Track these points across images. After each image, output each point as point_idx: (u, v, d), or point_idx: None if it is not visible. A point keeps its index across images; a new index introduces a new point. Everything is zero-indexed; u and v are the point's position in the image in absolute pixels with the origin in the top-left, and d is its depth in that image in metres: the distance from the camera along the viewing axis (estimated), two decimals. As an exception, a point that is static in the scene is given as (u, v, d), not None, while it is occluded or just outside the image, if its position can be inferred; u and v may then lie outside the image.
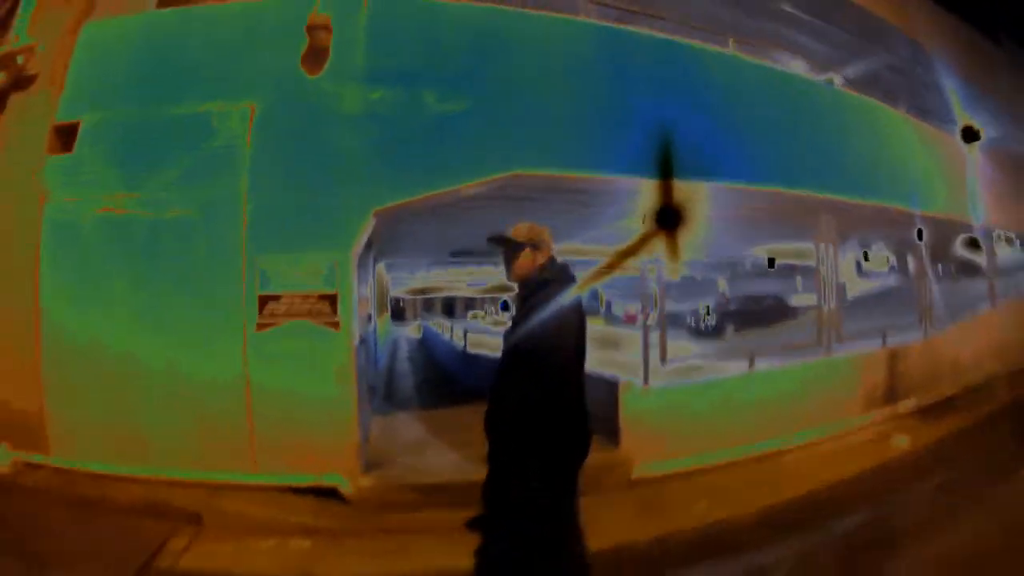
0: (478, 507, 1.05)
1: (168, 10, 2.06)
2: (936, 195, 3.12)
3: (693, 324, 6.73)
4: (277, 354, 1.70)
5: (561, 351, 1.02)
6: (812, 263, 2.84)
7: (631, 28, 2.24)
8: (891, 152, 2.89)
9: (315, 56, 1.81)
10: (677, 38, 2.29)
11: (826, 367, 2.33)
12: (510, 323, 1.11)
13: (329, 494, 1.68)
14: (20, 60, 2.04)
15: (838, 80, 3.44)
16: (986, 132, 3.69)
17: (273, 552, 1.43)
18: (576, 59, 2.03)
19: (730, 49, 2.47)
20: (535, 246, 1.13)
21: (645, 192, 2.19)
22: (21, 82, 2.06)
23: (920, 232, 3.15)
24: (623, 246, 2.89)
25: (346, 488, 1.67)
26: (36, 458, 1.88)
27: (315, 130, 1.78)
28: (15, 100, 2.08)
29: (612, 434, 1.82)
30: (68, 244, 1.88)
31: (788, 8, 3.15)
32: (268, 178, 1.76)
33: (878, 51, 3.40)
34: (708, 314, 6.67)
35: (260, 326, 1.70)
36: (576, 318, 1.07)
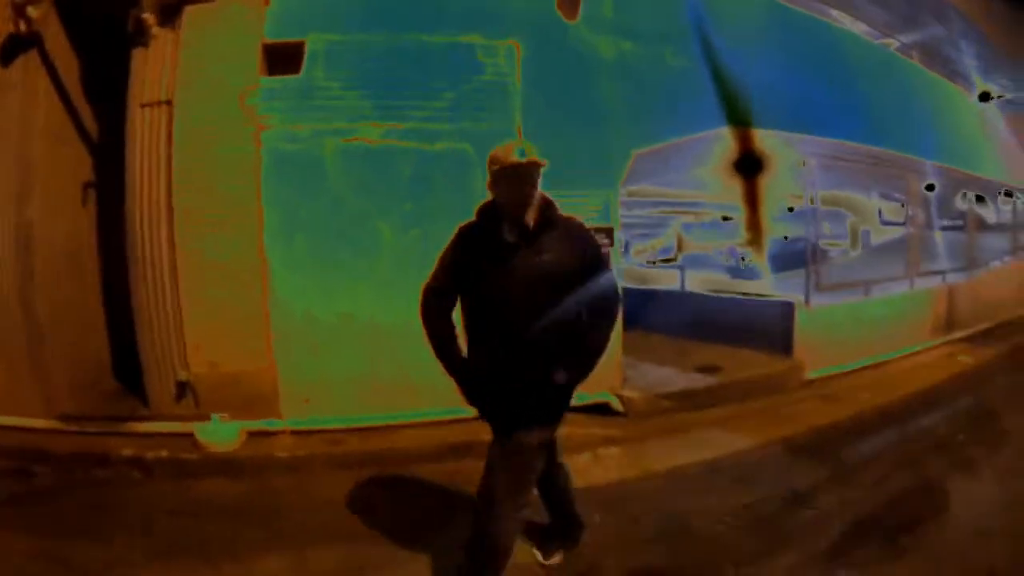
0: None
1: None
2: (984, 160, 4.75)
3: (734, 264, 8.64)
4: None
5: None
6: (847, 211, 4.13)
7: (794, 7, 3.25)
8: (954, 121, 4.42)
9: (572, 3, 2.44)
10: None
11: (912, 297, 3.70)
12: (530, 266, 1.22)
13: (601, 409, 2.39)
14: None
15: (895, 45, 4.86)
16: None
17: (593, 463, 2.13)
18: (758, 33, 2.97)
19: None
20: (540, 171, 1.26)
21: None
22: None
23: (967, 193, 4.72)
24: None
25: (615, 403, 2.40)
26: (275, 424, 2.23)
27: (577, 74, 2.48)
28: (198, 11, 2.31)
29: (787, 345, 2.83)
30: (298, 179, 2.22)
31: None
32: (539, 117, 2.40)
33: (929, 21, 4.88)
34: (743, 257, 8.65)
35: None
36: None
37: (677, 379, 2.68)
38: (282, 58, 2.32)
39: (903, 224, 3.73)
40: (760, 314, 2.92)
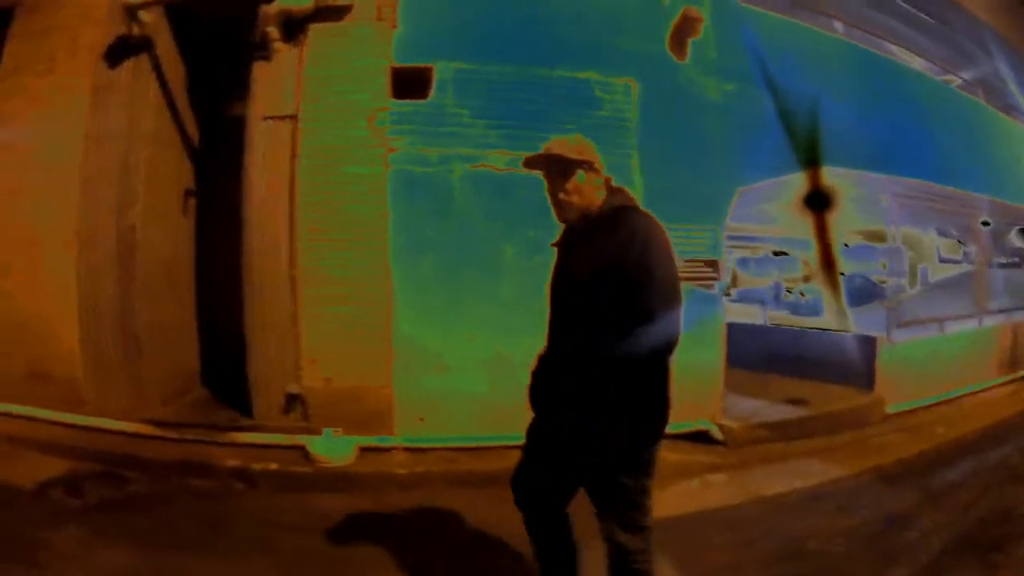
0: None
1: None
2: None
3: (793, 300, 9.15)
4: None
5: (677, 303, 1.06)
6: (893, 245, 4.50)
7: (875, 51, 3.59)
8: (1012, 156, 4.81)
9: (680, 44, 2.72)
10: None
11: (980, 334, 4.04)
12: (563, 269, 1.20)
13: (700, 437, 2.62)
14: None
15: (956, 82, 5.30)
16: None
17: (702, 488, 2.36)
18: (836, 73, 3.30)
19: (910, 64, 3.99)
20: (591, 166, 1.16)
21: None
22: (331, 11, 2.50)
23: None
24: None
25: (716, 432, 2.64)
26: (388, 440, 2.43)
27: (688, 112, 2.76)
28: (324, 30, 2.49)
29: (869, 379, 3.11)
30: (427, 201, 2.44)
31: (911, 8, 4.82)
32: (654, 152, 2.66)
33: (986, 57, 5.33)
34: (803, 292, 9.14)
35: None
36: (673, 257, 1.11)
37: (768, 410, 2.94)
38: (410, 82, 2.55)
39: (960, 261, 4.04)
40: (841, 348, 3.21)
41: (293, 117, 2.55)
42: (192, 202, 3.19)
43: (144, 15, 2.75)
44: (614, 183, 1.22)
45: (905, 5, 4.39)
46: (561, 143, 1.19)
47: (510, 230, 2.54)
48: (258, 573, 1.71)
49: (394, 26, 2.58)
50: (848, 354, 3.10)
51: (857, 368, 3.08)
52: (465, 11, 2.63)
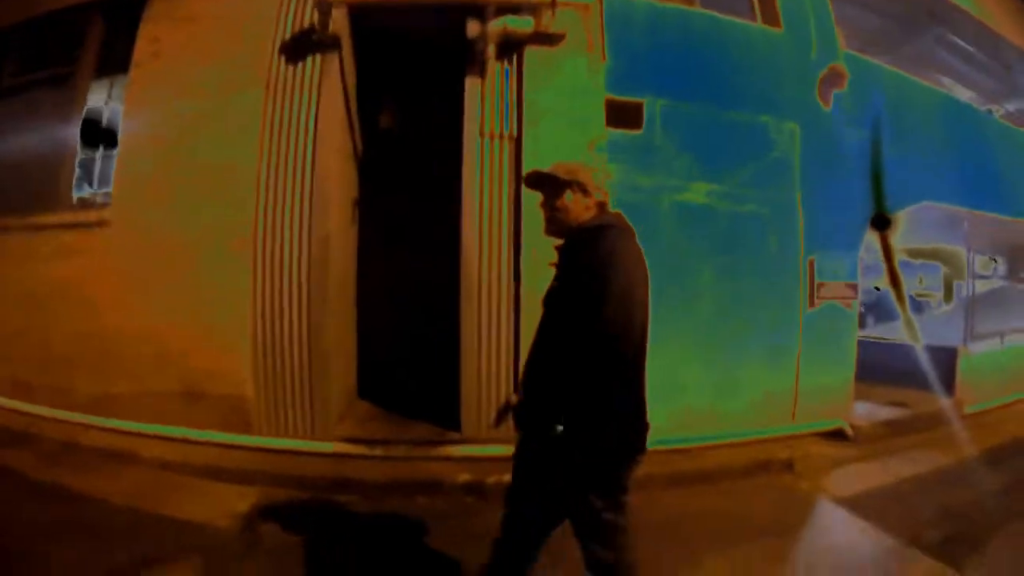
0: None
1: (699, 11, 3.56)
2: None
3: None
4: (819, 327, 3.63)
5: (632, 316, 1.29)
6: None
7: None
8: None
9: (827, 95, 3.79)
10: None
11: None
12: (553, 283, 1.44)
13: (833, 434, 3.70)
14: (548, 15, 3.13)
15: (999, 112, 7.15)
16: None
17: (856, 474, 3.45)
18: (930, 118, 4.65)
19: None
20: (582, 187, 1.44)
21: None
22: (545, 36, 3.19)
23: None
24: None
25: (848, 429, 3.73)
26: None
27: (833, 155, 3.84)
28: (539, 53, 3.18)
29: (949, 386, 4.47)
30: (639, 227, 3.16)
31: (957, 40, 6.49)
32: (811, 189, 3.75)
33: None
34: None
35: (812, 305, 3.57)
36: (643, 274, 1.38)
37: (879, 412, 4.20)
38: (623, 114, 3.32)
39: (990, 277, 5.64)
40: (926, 358, 4.54)
41: (514, 138, 3.17)
42: (356, 213, 3.57)
43: (335, 12, 3.16)
44: (609, 207, 1.52)
45: (960, 42, 6.00)
46: (558, 165, 1.52)
47: (706, 256, 3.47)
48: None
49: (603, 59, 3.32)
50: (932, 363, 4.45)
51: (940, 375, 4.49)
52: (664, 53, 3.54)
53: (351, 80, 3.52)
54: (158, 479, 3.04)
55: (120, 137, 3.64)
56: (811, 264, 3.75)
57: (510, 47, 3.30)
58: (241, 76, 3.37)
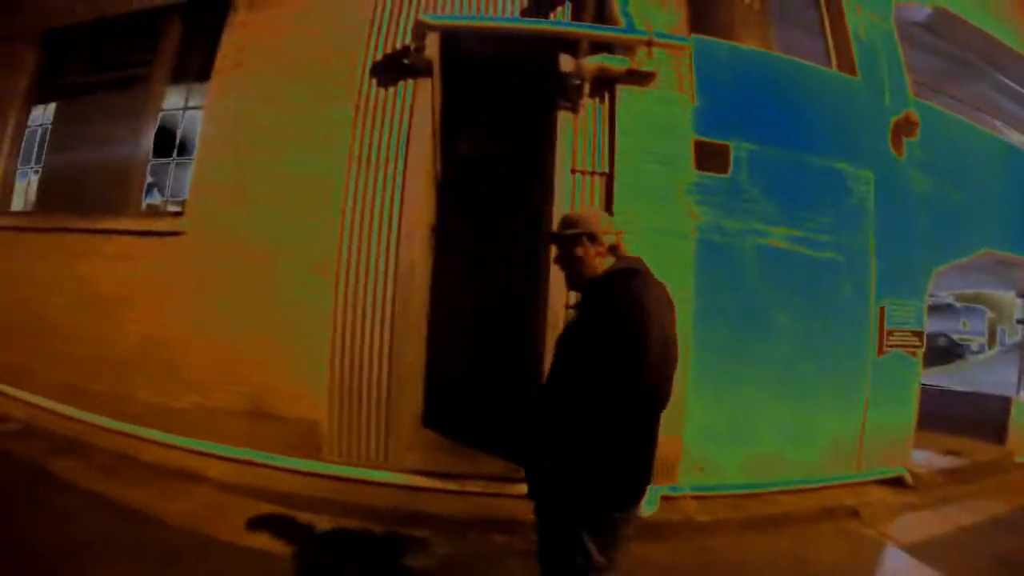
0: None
1: (782, 56, 3.79)
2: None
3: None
4: (886, 374, 3.85)
5: (667, 365, 1.38)
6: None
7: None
8: None
9: (899, 143, 4.02)
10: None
11: None
12: (568, 329, 1.58)
13: (892, 481, 3.90)
14: (643, 52, 3.32)
15: None
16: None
17: (920, 521, 3.68)
18: (989, 166, 4.93)
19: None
20: (591, 237, 1.56)
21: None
22: (638, 75, 3.39)
23: None
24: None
25: (908, 477, 3.95)
26: (678, 490, 3.35)
27: (905, 203, 4.05)
28: (630, 92, 3.40)
29: (1001, 435, 4.71)
30: (723, 269, 3.45)
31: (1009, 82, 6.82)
32: (884, 236, 3.97)
33: None
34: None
35: (880, 353, 3.79)
36: (671, 316, 1.47)
37: (936, 460, 4.43)
38: (710, 156, 3.52)
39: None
40: (977, 407, 4.78)
41: (606, 175, 3.36)
42: (435, 239, 3.72)
43: (430, 36, 3.32)
44: (623, 248, 1.61)
45: (1011, 83, 6.33)
46: (565, 217, 1.66)
47: (785, 300, 3.66)
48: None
49: (693, 100, 3.52)
50: (985, 412, 4.70)
51: (993, 424, 4.76)
52: (750, 96, 3.77)
53: (438, 104, 3.69)
54: (219, 501, 3.09)
55: (198, 145, 3.79)
56: (881, 311, 4.00)
57: (603, 83, 3.51)
58: (329, 91, 3.55)
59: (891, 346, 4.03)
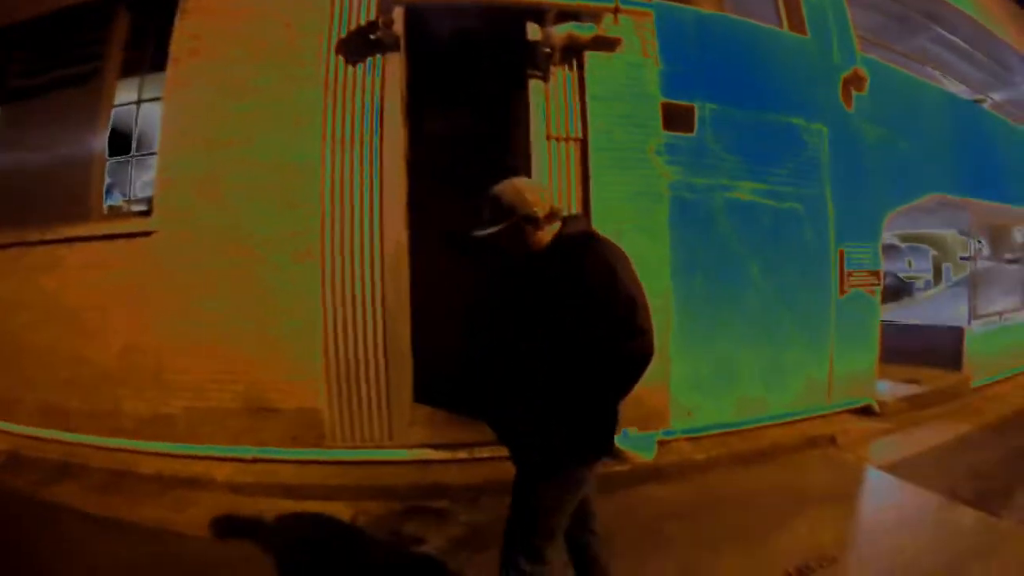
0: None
1: (738, 18, 4.12)
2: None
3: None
4: (849, 313, 4.33)
5: (650, 327, 1.48)
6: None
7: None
8: None
9: (848, 97, 4.47)
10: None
11: None
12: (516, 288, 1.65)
13: (861, 411, 4.41)
14: (609, 19, 3.58)
15: (988, 103, 8.16)
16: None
17: (897, 443, 4.21)
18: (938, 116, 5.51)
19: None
20: (531, 219, 1.58)
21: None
22: (604, 42, 3.65)
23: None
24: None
25: (875, 405, 4.46)
26: (671, 433, 3.72)
27: (855, 154, 4.51)
28: (598, 58, 3.66)
29: (956, 363, 5.33)
30: (696, 225, 3.78)
31: (950, 36, 7.51)
32: (838, 186, 4.46)
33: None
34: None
35: (842, 293, 4.23)
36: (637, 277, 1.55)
37: (897, 389, 5.01)
38: (677, 118, 3.81)
39: (979, 259, 6.63)
40: (931, 338, 5.40)
41: (580, 140, 3.60)
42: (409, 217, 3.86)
43: (397, 13, 3.44)
44: (559, 212, 1.63)
45: (950, 36, 7.00)
46: (493, 204, 1.60)
47: (754, 251, 4.05)
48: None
49: (657, 64, 3.79)
50: (940, 342, 5.34)
51: (948, 353, 5.41)
52: (710, 58, 4.11)
53: (405, 80, 3.82)
54: (233, 504, 3.14)
55: (159, 140, 3.76)
56: (841, 255, 4.49)
57: (571, 51, 3.74)
58: (296, 72, 3.62)
59: (852, 286, 4.53)
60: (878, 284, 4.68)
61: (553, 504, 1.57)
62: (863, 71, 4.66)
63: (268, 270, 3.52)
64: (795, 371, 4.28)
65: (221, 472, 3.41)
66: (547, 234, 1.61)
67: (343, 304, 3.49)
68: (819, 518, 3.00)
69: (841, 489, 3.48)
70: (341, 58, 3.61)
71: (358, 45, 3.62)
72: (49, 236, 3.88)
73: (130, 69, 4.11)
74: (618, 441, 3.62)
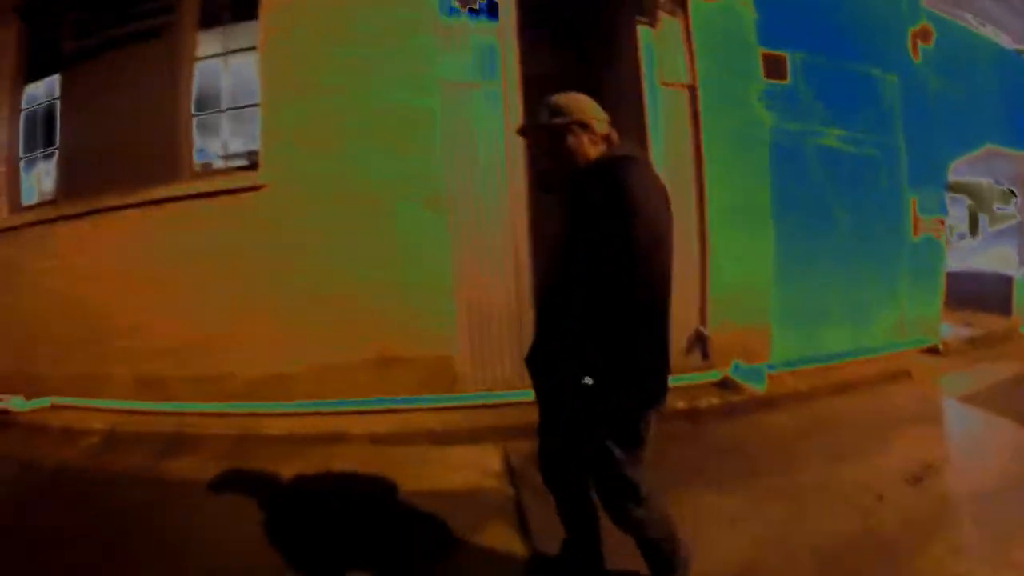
0: None
1: None
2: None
3: None
4: (919, 257, 5.07)
5: (664, 265, 1.49)
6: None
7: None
8: None
9: (915, 48, 5.15)
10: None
11: None
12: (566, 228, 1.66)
13: (930, 350, 5.23)
14: None
15: None
16: None
17: (959, 380, 5.03)
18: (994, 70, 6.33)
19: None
20: (583, 124, 1.64)
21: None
22: None
23: None
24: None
25: (940, 345, 5.26)
26: (774, 369, 4.29)
27: (921, 103, 5.26)
28: (700, 6, 4.17)
29: (1006, 309, 6.25)
30: (790, 168, 4.38)
31: None
32: (909, 134, 5.11)
33: None
34: None
35: (915, 236, 4.96)
36: (669, 213, 1.55)
37: (956, 331, 5.86)
38: (771, 65, 4.39)
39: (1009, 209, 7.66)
40: (985, 284, 6.25)
41: (690, 87, 4.11)
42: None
43: None
44: (615, 140, 1.68)
45: None
46: (548, 104, 1.68)
47: (840, 194, 4.71)
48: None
49: (753, 13, 4.32)
50: (989, 289, 6.21)
51: (997, 298, 6.35)
52: (796, 7, 4.71)
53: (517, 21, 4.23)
54: (380, 455, 3.36)
55: (262, 91, 4.04)
56: (913, 201, 5.29)
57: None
58: (406, 17, 3.95)
59: (922, 231, 5.36)
60: (944, 230, 5.51)
61: (625, 452, 1.60)
62: (930, 25, 5.39)
63: (392, 218, 3.91)
64: (874, 310, 5.10)
65: (356, 425, 3.67)
66: (594, 150, 1.67)
67: (472, 250, 3.95)
68: (916, 437, 3.71)
69: (927, 415, 4.27)
70: (455, 2, 4.01)
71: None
72: (136, 199, 4.10)
73: (208, 20, 4.29)
74: (731, 373, 4.29)
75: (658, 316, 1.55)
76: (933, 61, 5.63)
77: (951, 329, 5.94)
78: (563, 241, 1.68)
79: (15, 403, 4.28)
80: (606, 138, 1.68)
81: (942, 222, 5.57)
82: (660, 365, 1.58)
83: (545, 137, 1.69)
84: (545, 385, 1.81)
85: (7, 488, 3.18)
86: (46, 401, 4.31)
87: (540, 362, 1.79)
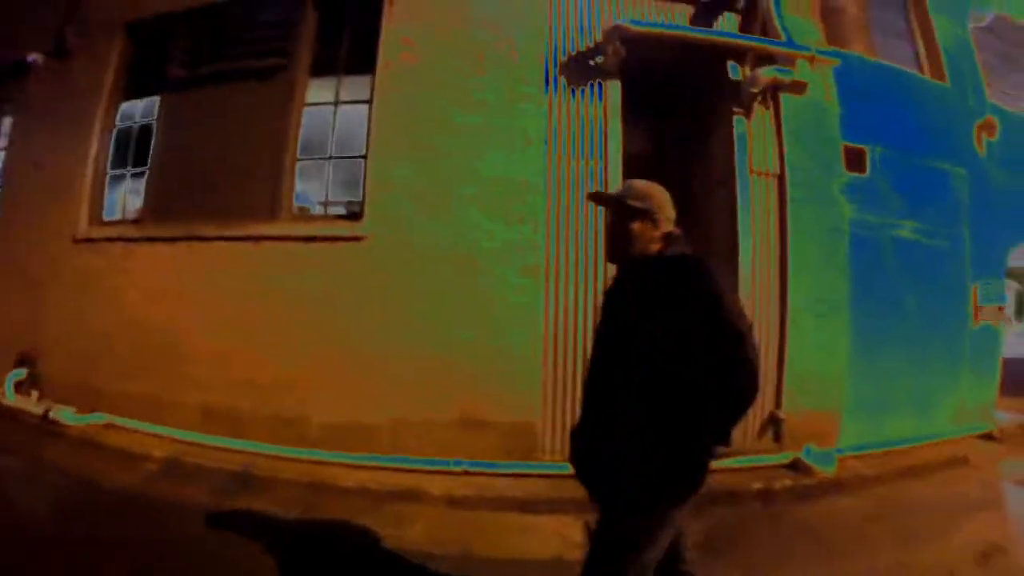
0: None
1: (896, 66, 5.19)
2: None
3: None
4: (979, 344, 5.49)
5: (758, 366, 1.56)
6: None
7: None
8: None
9: (980, 142, 5.63)
10: None
11: None
12: (608, 318, 1.80)
13: (986, 437, 5.57)
14: (802, 64, 4.55)
15: None
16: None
17: (1015, 465, 5.37)
18: None
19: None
20: (652, 217, 1.80)
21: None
22: (797, 85, 4.64)
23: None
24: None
25: (996, 431, 5.62)
26: (842, 452, 4.61)
27: (984, 194, 5.68)
28: (789, 100, 4.61)
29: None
30: (868, 259, 4.83)
31: None
32: (975, 228, 5.49)
33: None
34: None
35: (976, 324, 5.36)
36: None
37: (1012, 418, 6.18)
38: (852, 158, 4.83)
39: None
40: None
41: (778, 176, 4.56)
42: None
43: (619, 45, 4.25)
44: (675, 237, 1.83)
45: None
46: (630, 187, 1.88)
47: (911, 283, 5.15)
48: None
49: (837, 108, 4.77)
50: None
51: None
52: (875, 103, 5.26)
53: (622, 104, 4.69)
54: (457, 519, 3.53)
55: (372, 143, 4.44)
56: (975, 290, 5.73)
57: (768, 93, 4.69)
58: (520, 91, 4.43)
59: (983, 320, 5.76)
60: (1002, 318, 5.90)
61: (643, 544, 1.71)
62: (994, 118, 5.90)
63: (492, 282, 4.28)
64: (936, 397, 5.49)
65: (433, 485, 3.86)
66: (656, 243, 1.83)
67: (564, 320, 4.30)
68: (980, 521, 4.09)
69: (989, 500, 4.65)
70: (563, 79, 4.47)
71: (579, 70, 4.50)
72: (231, 232, 4.47)
73: (320, 68, 4.75)
74: (803, 456, 4.60)
75: (738, 417, 1.66)
76: (996, 153, 6.17)
77: (1005, 416, 6.36)
78: (616, 325, 1.80)
79: (65, 415, 4.55)
80: (666, 236, 1.85)
81: (1001, 309, 6.04)
82: (706, 463, 1.71)
83: (616, 213, 1.88)
84: (594, 483, 1.88)
85: (64, 500, 3.45)
86: (100, 417, 4.58)
87: (590, 461, 1.87)
